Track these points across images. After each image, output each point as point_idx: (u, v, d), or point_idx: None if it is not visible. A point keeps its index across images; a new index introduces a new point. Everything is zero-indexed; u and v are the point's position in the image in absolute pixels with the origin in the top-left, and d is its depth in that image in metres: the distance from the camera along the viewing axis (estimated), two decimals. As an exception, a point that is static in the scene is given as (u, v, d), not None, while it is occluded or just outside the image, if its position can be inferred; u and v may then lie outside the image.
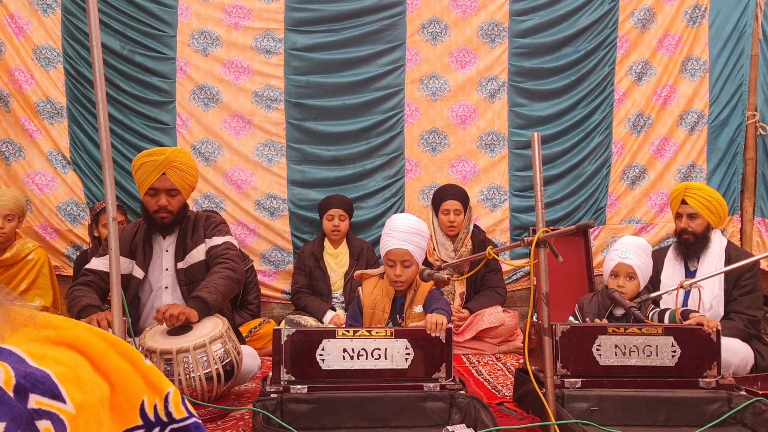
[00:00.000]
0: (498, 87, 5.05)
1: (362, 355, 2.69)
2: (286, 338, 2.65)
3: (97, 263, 3.20)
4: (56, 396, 1.66)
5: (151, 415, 1.91)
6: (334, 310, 4.49)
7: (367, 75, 4.96)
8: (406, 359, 2.70)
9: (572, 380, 2.73)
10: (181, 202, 3.22)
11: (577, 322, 3.34)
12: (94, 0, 1.97)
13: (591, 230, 5.00)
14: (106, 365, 1.87)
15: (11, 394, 1.56)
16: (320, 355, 2.66)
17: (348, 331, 2.70)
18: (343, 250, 4.70)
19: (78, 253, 4.65)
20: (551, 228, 2.45)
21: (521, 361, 3.75)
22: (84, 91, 4.77)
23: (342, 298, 4.61)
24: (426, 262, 4.07)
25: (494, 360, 4.00)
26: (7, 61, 4.71)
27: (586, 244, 4.85)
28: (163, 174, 3.13)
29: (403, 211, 4.96)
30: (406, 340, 2.71)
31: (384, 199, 5.03)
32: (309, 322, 4.28)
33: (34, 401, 1.60)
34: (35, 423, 1.56)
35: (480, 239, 4.59)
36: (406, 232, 3.27)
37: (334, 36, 4.94)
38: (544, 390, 2.42)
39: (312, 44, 4.93)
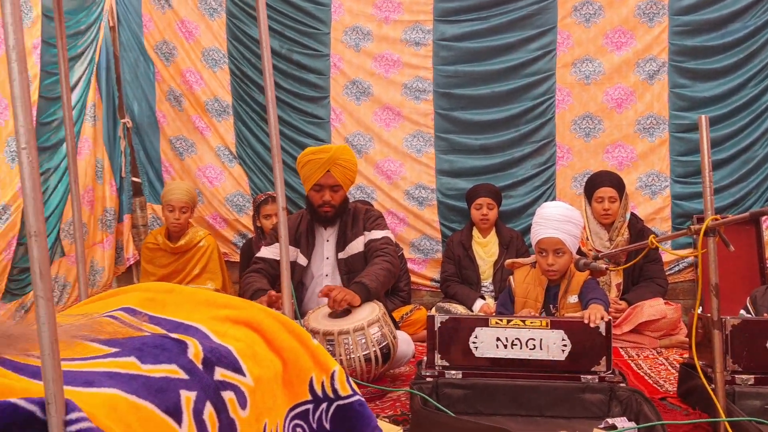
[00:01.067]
0: (657, 68, 4.79)
1: (516, 345, 2.68)
2: (439, 325, 2.70)
3: (266, 252, 3.43)
4: (238, 370, 1.82)
5: (319, 391, 2.03)
6: (484, 298, 4.49)
7: (517, 61, 4.89)
8: (563, 350, 2.66)
9: (744, 377, 2.56)
10: (342, 196, 3.37)
11: (749, 315, 3.12)
12: (263, 5, 2.10)
13: (763, 218, 4.63)
14: (279, 343, 2.01)
15: (200, 366, 1.72)
16: (473, 342, 2.69)
17: (501, 320, 2.70)
18: (492, 239, 4.68)
19: (244, 242, 4.98)
20: (720, 216, 2.30)
21: (685, 355, 3.56)
22: (247, 89, 5.09)
23: (491, 287, 4.60)
24: (579, 252, 3.97)
25: (655, 354, 3.83)
26: (179, 64, 5.12)
27: (757, 232, 4.50)
28: (328, 171, 3.29)
29: (553, 200, 4.86)
30: (562, 331, 2.66)
31: (534, 188, 4.95)
32: (459, 309, 4.31)
33: (220, 374, 1.76)
34: (221, 393, 1.71)
35: (638, 228, 4.39)
36: (558, 220, 3.21)
37: (483, 24, 4.92)
38: (713, 386, 2.29)
39: (460, 33, 4.94)
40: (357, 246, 3.38)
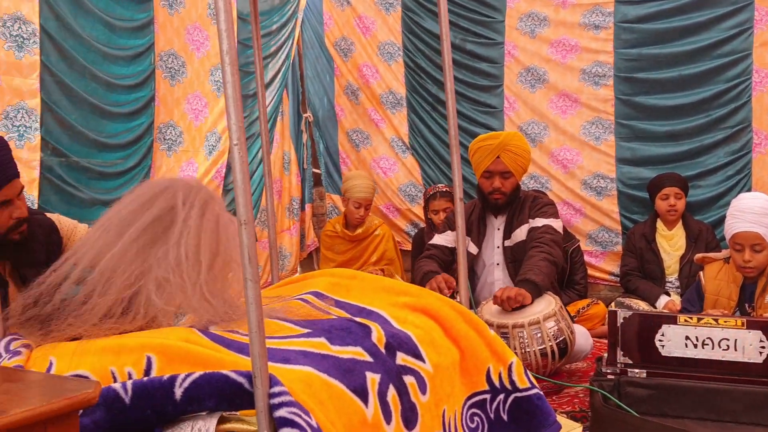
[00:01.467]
0: None
1: (707, 345, 2.51)
2: (622, 320, 2.59)
3: (439, 239, 3.49)
4: (417, 355, 1.87)
5: (496, 382, 2.04)
6: (668, 295, 4.23)
7: (707, 41, 4.54)
8: (761, 353, 2.45)
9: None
10: (513, 184, 3.33)
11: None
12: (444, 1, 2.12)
13: None
14: (456, 332, 2.04)
15: (383, 350, 1.79)
16: (660, 340, 2.55)
17: (691, 318, 2.54)
18: (679, 231, 4.40)
19: (416, 231, 5.08)
20: None
21: None
22: (421, 81, 5.18)
23: (677, 283, 4.33)
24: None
25: None
26: (357, 59, 5.32)
27: None
28: (498, 157, 3.27)
29: (749, 190, 4.45)
30: (760, 332, 2.45)
31: (726, 177, 4.57)
32: (640, 305, 4.11)
33: (401, 358, 1.82)
34: (402, 377, 1.77)
35: None
36: (756, 213, 2.96)
37: (669, 3, 4.61)
38: None
39: (644, 14, 4.66)
40: (521, 234, 3.33)
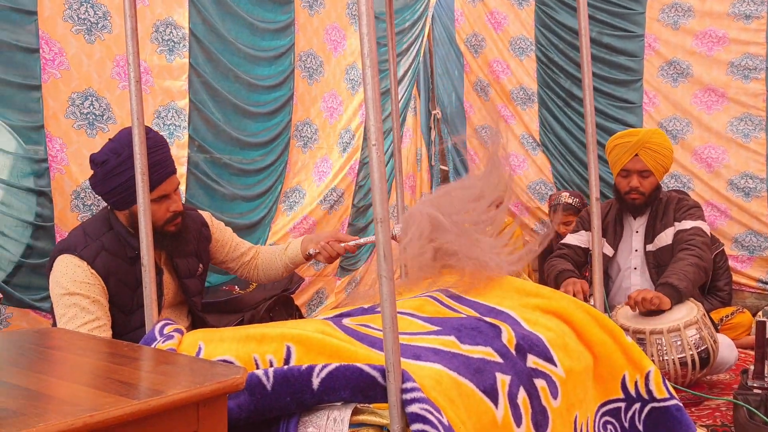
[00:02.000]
0: None
1: None
2: (772, 332, 2.41)
3: (571, 238, 3.39)
4: (549, 359, 1.83)
5: (632, 390, 1.96)
6: (826, 306, 3.89)
7: None
8: None
9: None
10: (653, 183, 3.17)
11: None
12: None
13: None
14: (589, 337, 1.98)
15: (513, 352, 1.77)
16: (816, 355, 2.35)
17: None
18: (840, 237, 4.02)
19: (544, 230, 4.97)
20: None
21: None
22: (554, 76, 5.05)
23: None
24: None
25: None
26: (487, 55, 5.27)
27: None
28: (636, 155, 3.12)
29: None
30: None
31: None
32: (792, 317, 3.80)
33: (532, 361, 1.79)
34: (533, 380, 1.75)
35: None
36: None
37: (833, -13, 4.22)
38: None
39: (803, 0, 4.30)
40: (666, 238, 3.16)
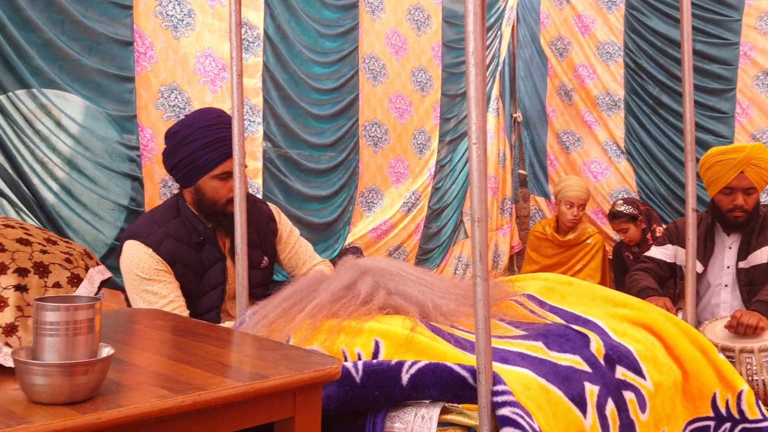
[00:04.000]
0: None
1: None
2: None
3: (656, 251, 3.29)
4: (638, 371, 1.78)
5: (722, 409, 1.89)
6: None
7: None
8: None
9: None
10: (756, 200, 3.04)
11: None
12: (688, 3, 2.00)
13: None
14: (680, 352, 1.92)
15: (602, 362, 1.73)
16: None
17: None
18: None
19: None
20: None
21: None
22: (642, 83, 4.90)
23: None
24: None
25: None
26: (573, 59, 5.16)
27: None
28: (741, 172, 3.00)
29: None
30: None
31: None
32: None
33: (621, 372, 1.75)
34: (622, 392, 1.70)
35: None
36: None
37: None
38: None
39: None
40: (761, 256, 3.02)
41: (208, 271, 2.21)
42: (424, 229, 4.51)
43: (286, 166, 3.72)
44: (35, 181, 2.81)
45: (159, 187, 3.21)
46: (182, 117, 3.25)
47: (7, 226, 1.24)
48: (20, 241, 1.20)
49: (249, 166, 3.59)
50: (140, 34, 3.12)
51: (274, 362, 1.20)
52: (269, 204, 2.57)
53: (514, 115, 5.31)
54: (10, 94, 2.75)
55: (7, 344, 1.08)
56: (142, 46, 3.14)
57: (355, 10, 4.03)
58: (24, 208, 2.77)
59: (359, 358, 1.52)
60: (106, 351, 1.00)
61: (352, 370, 1.41)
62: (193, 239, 2.22)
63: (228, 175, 2.21)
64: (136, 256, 2.15)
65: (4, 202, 2.73)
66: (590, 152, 5.17)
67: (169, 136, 2.27)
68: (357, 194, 4.12)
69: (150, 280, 2.12)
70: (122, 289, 2.90)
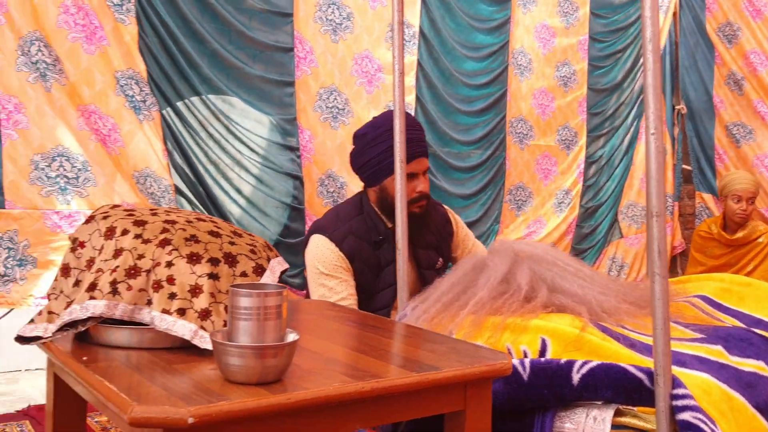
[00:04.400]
0: None
1: None
2: None
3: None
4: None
5: None
6: None
7: None
8: None
9: None
10: None
11: None
12: None
13: None
14: None
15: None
16: None
17: None
18: None
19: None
20: None
21: None
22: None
23: None
24: None
25: None
26: (743, 45, 4.78)
27: None
28: None
29: None
30: None
31: None
32: None
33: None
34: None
35: None
36: None
37: None
38: None
39: None
40: None
41: (384, 269, 2.27)
42: (576, 228, 4.37)
43: (433, 163, 3.75)
44: (209, 180, 3.03)
45: (317, 186, 3.34)
46: (342, 120, 3.40)
47: (199, 219, 1.34)
48: (211, 233, 1.29)
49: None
50: (300, 40, 3.27)
51: (444, 355, 1.21)
52: (444, 206, 2.60)
53: (678, 107, 5.00)
54: (186, 100, 2.99)
55: (202, 327, 1.17)
56: (302, 51, 3.28)
57: (508, 4, 3.99)
58: (199, 205, 2.99)
59: (525, 356, 1.49)
60: (291, 336, 1.06)
61: (519, 368, 1.39)
62: (372, 237, 2.30)
63: (412, 176, 2.27)
64: (320, 250, 2.24)
65: (183, 200, 2.97)
66: (763, 145, 4.77)
67: (358, 137, 2.35)
68: (504, 192, 4.07)
69: (328, 276, 2.21)
70: (298, 287, 3.07)
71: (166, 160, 2.92)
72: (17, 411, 2.65)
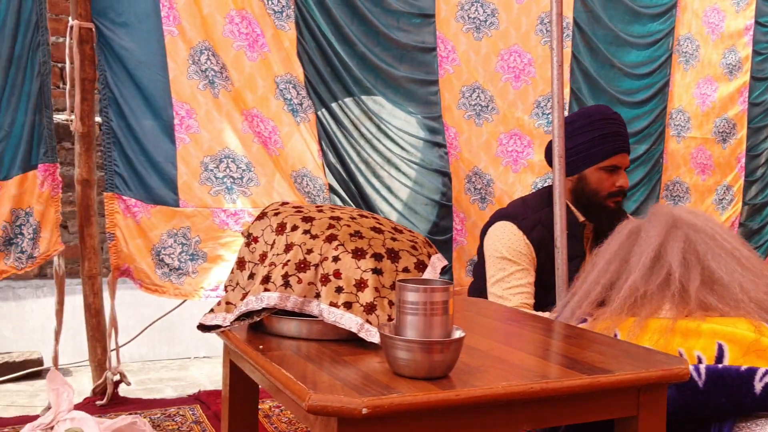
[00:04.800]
0: None
1: None
2: None
3: None
4: None
5: None
6: None
7: None
8: None
9: None
10: None
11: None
12: None
13: None
14: None
15: None
16: None
17: None
18: None
19: None
20: None
21: None
22: None
23: None
24: None
25: None
26: None
27: None
28: None
29: None
30: None
31: None
32: None
33: None
34: None
35: None
36: None
37: None
38: None
39: None
40: None
41: (568, 265, 2.23)
42: (740, 227, 4.07)
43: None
44: (360, 179, 3.11)
45: (464, 183, 3.34)
46: (486, 117, 3.38)
47: (361, 216, 1.38)
48: (374, 229, 1.32)
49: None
50: (442, 40, 3.29)
51: (615, 357, 1.16)
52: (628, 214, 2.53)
53: None
54: (340, 101, 3.09)
55: (368, 321, 1.20)
56: (444, 50, 3.30)
57: (675, -13, 3.80)
58: (351, 204, 3.08)
59: (699, 362, 1.40)
60: (458, 333, 1.06)
61: (694, 374, 1.30)
62: None
63: (614, 169, 2.25)
64: (506, 235, 2.22)
65: (336, 198, 3.07)
66: None
67: (566, 123, 2.33)
68: (661, 187, 3.86)
69: (510, 261, 2.18)
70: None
71: (321, 159, 3.04)
72: (189, 395, 2.87)
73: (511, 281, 2.16)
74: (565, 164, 2.19)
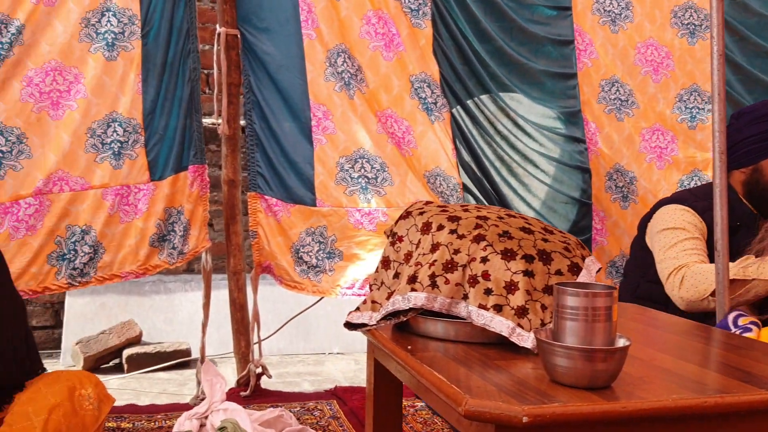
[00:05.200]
0: None
1: None
2: None
3: None
4: None
5: None
6: None
7: None
8: None
9: None
10: None
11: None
12: None
13: None
14: None
15: None
16: None
17: None
18: None
19: None
20: None
21: None
22: None
23: None
24: None
25: None
26: None
27: None
28: None
29: None
30: None
31: None
32: None
33: None
34: None
35: None
36: None
37: None
38: None
39: None
40: None
41: (734, 259, 2.10)
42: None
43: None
44: (496, 177, 3.05)
45: (604, 180, 3.19)
46: (626, 112, 3.21)
47: (509, 215, 1.33)
48: (523, 229, 1.28)
49: (697, 157, 3.35)
50: (580, 33, 3.17)
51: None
52: None
53: None
54: (476, 98, 3.05)
55: (519, 325, 1.16)
56: (582, 43, 3.19)
57: None
58: (485, 203, 3.03)
59: None
60: (622, 341, 1.00)
61: None
62: (730, 222, 2.14)
63: None
64: (677, 214, 2.13)
65: (470, 197, 3.03)
66: None
67: (741, 114, 2.24)
68: None
69: (682, 230, 2.07)
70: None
71: (455, 158, 3.01)
72: (325, 390, 2.93)
73: (685, 245, 2.04)
74: (735, 157, 2.07)
